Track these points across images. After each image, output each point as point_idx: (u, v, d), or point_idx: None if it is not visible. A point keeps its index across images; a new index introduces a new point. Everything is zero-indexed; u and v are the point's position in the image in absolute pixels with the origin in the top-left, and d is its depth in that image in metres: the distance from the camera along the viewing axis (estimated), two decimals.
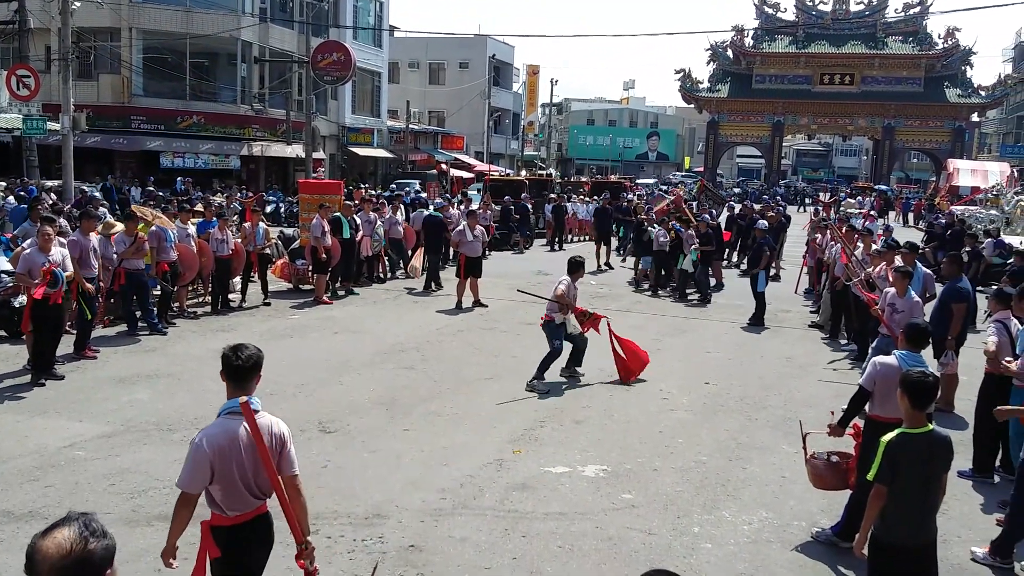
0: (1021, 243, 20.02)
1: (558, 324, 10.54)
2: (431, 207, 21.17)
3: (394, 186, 38.92)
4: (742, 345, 13.37)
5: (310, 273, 16.22)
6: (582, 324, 10.92)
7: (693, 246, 17.14)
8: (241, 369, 4.08)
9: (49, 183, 23.53)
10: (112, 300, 12.58)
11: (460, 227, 16.25)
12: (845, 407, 6.26)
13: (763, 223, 16.96)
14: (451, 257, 20.68)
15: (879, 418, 5.88)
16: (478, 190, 34.11)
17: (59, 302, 9.82)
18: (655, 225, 18.56)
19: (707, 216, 20.48)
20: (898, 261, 10.79)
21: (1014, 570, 6.04)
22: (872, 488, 4.62)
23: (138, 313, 12.40)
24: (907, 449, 4.54)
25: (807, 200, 55.97)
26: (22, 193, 20.84)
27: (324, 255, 15.34)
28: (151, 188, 27.66)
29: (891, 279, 9.63)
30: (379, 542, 6.03)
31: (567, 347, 10.75)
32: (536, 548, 6.04)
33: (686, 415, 9.44)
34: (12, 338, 11.46)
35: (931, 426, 4.69)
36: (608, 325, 10.98)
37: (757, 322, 14.72)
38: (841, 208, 30.19)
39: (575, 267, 10.78)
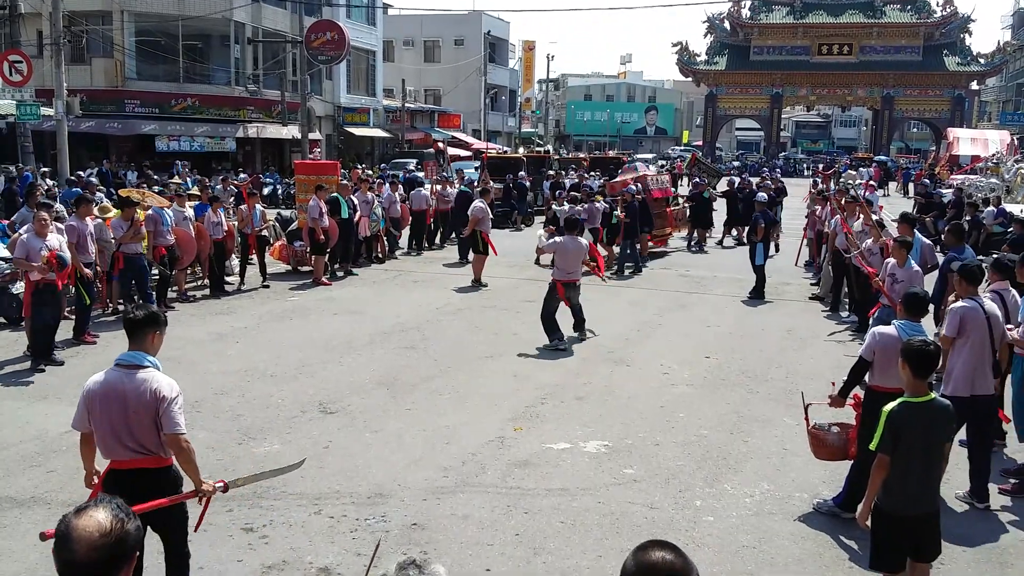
0: (1022, 211, 19.96)
1: (551, 287, 11.31)
2: (459, 185, 21.37)
3: (384, 166, 38.84)
4: (743, 319, 13.35)
5: (308, 254, 16.18)
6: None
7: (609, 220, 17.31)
8: (134, 322, 4.44)
9: (43, 169, 23.46)
10: (111, 284, 12.55)
11: (480, 204, 16.14)
12: (845, 378, 6.25)
13: (762, 196, 16.90)
14: (448, 235, 20.75)
15: (879, 388, 5.87)
16: (475, 168, 33.97)
17: (67, 282, 9.92)
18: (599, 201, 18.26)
19: (708, 189, 20.73)
20: (895, 232, 10.75)
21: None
22: (875, 458, 4.62)
23: (137, 298, 12.37)
24: (909, 418, 4.53)
25: (806, 170, 55.87)
26: (14, 177, 20.79)
27: (322, 236, 15.30)
28: (149, 171, 27.55)
29: (889, 250, 9.60)
30: (382, 521, 6.04)
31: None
32: (539, 524, 6.05)
33: (687, 389, 9.44)
34: (11, 324, 11.46)
35: (932, 395, 4.68)
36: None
37: (757, 295, 14.70)
38: (842, 179, 30.01)
39: (573, 225, 11.64)
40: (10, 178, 20.91)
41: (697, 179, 23.91)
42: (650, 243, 19.07)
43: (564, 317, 11.39)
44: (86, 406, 4.35)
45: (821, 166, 52.11)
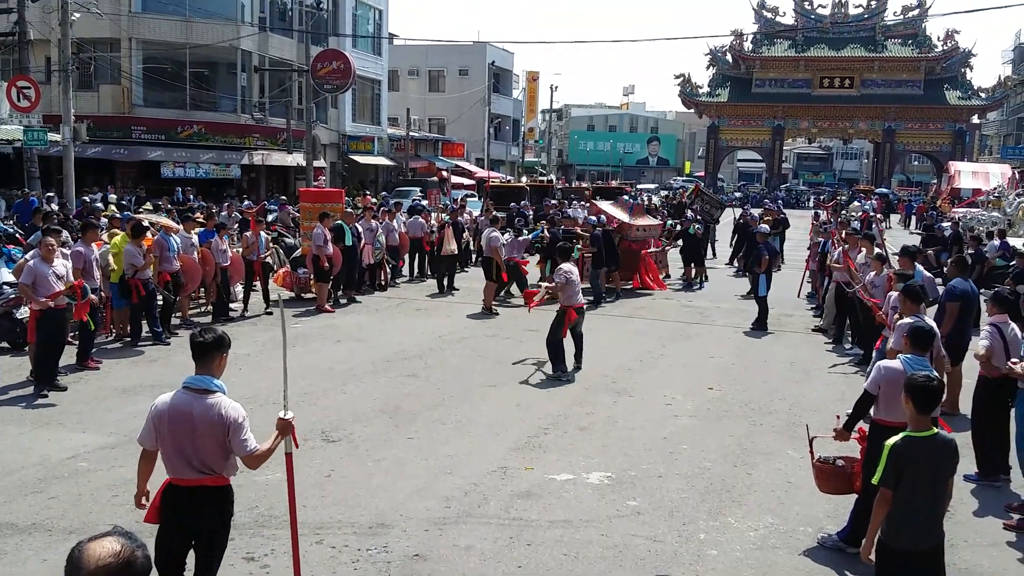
0: None
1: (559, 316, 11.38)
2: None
3: (384, 194, 39.01)
4: (745, 350, 13.34)
5: (312, 282, 16.20)
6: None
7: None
8: (203, 346, 4.46)
9: (48, 195, 23.57)
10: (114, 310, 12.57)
11: (495, 234, 16.32)
12: (850, 411, 6.25)
13: (764, 227, 16.94)
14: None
15: (884, 422, 5.86)
16: (477, 196, 34.13)
17: (83, 316, 10.15)
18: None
19: (695, 222, 20.35)
20: (896, 266, 10.82)
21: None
22: (877, 492, 4.60)
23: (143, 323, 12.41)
24: (912, 453, 4.52)
25: (808, 202, 56.05)
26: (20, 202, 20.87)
27: (326, 264, 15.34)
28: (143, 196, 27.68)
29: (892, 282, 9.68)
30: (384, 551, 6.01)
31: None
32: (541, 556, 6.02)
33: (690, 421, 9.41)
34: (15, 350, 11.46)
35: (935, 430, 4.67)
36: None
37: (760, 326, 14.70)
38: (843, 212, 30.07)
39: (565, 253, 12.10)
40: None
41: (688, 213, 22.96)
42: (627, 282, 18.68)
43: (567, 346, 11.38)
44: (154, 424, 4.42)
45: (823, 198, 52.28)
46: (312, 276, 16.03)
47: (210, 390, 4.44)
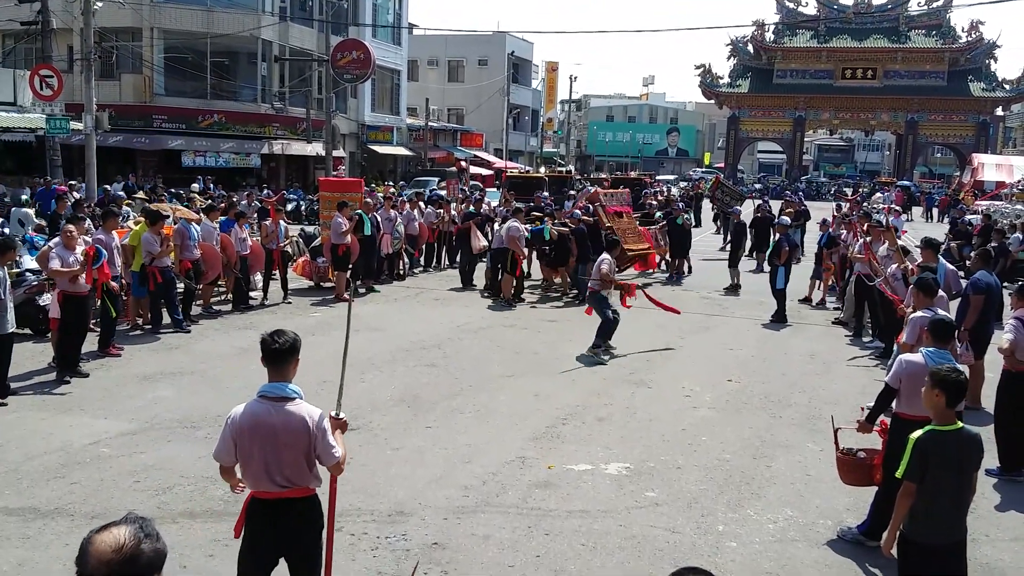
0: None
1: (604, 296, 11.83)
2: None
3: (402, 184, 38.98)
4: (765, 342, 13.28)
5: (332, 270, 16.23)
6: (621, 299, 12.47)
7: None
8: (278, 352, 4.18)
9: (71, 183, 23.78)
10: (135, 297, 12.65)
11: (516, 224, 15.80)
12: (872, 404, 6.20)
13: (785, 219, 16.82)
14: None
15: (906, 416, 5.81)
16: (493, 187, 34.07)
17: (100, 281, 10.18)
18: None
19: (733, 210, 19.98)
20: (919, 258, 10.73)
21: None
22: (900, 486, 4.57)
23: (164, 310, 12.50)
24: (937, 447, 4.48)
25: (828, 194, 55.71)
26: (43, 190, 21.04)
27: (342, 252, 15.32)
28: (161, 186, 27.81)
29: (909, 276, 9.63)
30: (402, 539, 6.03)
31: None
32: (560, 546, 6.02)
33: (709, 413, 9.38)
34: (37, 336, 11.57)
35: (960, 424, 4.63)
36: (643, 291, 13.19)
37: (779, 319, 14.61)
38: (865, 205, 29.82)
39: (612, 244, 12.69)
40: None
41: (679, 204, 22.38)
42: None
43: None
44: (233, 439, 4.13)
45: (848, 191, 51.83)
46: (331, 265, 16.07)
47: (288, 397, 4.18)
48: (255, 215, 19.70)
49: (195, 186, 28.06)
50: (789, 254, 14.75)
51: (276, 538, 4.17)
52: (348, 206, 15.69)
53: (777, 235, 15.37)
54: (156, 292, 12.18)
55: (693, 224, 22.15)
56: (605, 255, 12.11)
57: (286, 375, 4.23)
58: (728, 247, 19.99)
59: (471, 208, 20.44)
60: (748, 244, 21.43)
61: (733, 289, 18.19)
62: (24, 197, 21.08)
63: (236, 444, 4.12)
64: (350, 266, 15.66)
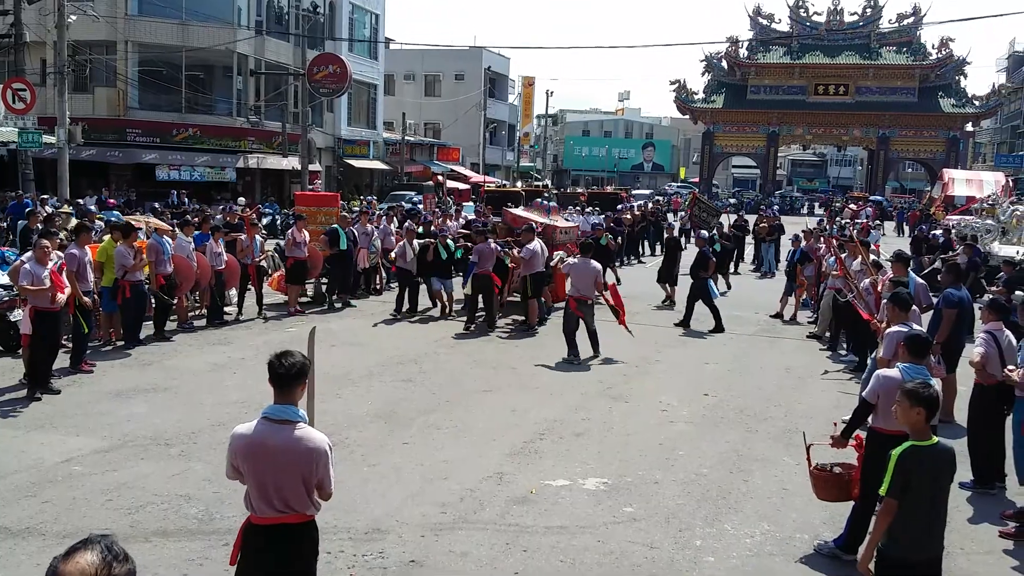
0: (1018, 253, 20.05)
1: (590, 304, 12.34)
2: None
3: (372, 198, 38.64)
4: (740, 356, 13.34)
5: (286, 284, 16.10)
6: (617, 318, 12.94)
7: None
8: (284, 376, 4.12)
9: (43, 196, 23.50)
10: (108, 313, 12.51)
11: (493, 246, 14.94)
12: (847, 419, 6.24)
13: (704, 233, 17.41)
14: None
15: (882, 431, 5.85)
16: (470, 201, 34.04)
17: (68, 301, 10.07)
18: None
19: (703, 232, 19.98)
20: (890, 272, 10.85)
21: None
22: (878, 502, 4.59)
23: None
24: (918, 462, 4.52)
25: (802, 209, 56.28)
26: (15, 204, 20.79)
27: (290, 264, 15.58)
28: (133, 199, 27.62)
29: (882, 289, 9.71)
30: (379, 557, 5.99)
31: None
32: (538, 563, 6.00)
33: (686, 427, 9.40)
34: (8, 352, 11.40)
35: (936, 439, 4.67)
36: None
37: (718, 330, 14.75)
38: (837, 219, 30.11)
39: (587, 248, 12.84)
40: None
41: (601, 220, 22.20)
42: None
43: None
44: (230, 460, 4.19)
45: (823, 207, 52.25)
46: (285, 278, 16.06)
47: (292, 420, 4.12)
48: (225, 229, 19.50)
49: (157, 205, 27.65)
50: (713, 265, 15.13)
51: (272, 564, 4.13)
52: (303, 219, 15.88)
53: (698, 248, 15.77)
54: (125, 306, 12.05)
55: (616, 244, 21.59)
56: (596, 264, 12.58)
57: (292, 398, 4.16)
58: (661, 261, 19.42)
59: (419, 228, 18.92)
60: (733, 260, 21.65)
61: (668, 303, 17.81)
62: None
63: (236, 465, 4.16)
64: (305, 280, 15.72)
